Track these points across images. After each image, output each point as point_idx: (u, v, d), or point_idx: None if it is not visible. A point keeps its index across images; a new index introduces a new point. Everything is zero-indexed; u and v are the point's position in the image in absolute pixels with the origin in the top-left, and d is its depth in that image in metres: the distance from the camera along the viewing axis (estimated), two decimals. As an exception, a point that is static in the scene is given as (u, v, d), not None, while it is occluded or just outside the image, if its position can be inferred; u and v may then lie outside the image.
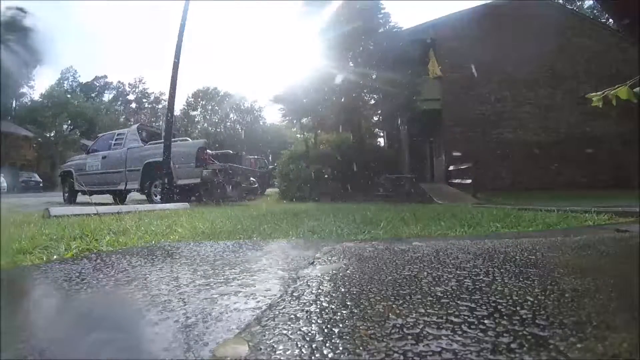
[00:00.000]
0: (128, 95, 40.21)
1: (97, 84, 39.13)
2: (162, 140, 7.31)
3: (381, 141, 14.55)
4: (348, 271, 1.16)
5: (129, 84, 40.50)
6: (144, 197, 8.10)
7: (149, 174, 7.62)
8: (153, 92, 39.91)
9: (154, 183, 7.56)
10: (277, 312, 0.79)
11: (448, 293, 0.89)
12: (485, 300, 0.82)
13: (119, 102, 39.75)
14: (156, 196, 7.42)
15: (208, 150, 7.90)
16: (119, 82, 40.44)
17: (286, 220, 3.08)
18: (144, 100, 40.45)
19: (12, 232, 2.32)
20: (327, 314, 0.77)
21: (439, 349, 0.58)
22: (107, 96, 39.99)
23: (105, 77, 39.95)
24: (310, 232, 2.39)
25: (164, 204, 5.55)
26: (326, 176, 9.05)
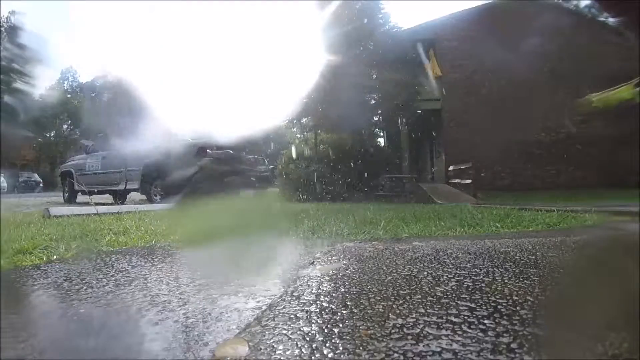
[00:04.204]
0: (126, 94, 40.10)
1: (97, 84, 38.99)
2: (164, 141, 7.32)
3: (381, 141, 14.54)
4: (348, 271, 1.16)
5: (128, 83, 40.38)
6: (144, 197, 8.11)
7: (149, 174, 7.62)
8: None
9: (154, 183, 7.56)
10: (277, 312, 0.79)
11: (448, 293, 0.89)
12: (485, 300, 0.82)
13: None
14: (156, 196, 7.43)
15: (208, 150, 7.90)
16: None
17: (286, 220, 3.08)
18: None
19: (12, 232, 2.32)
20: (327, 314, 0.77)
21: (439, 349, 0.58)
22: (107, 96, 39.80)
23: (106, 76, 39.82)
24: (310, 232, 2.39)
25: (164, 204, 5.54)
26: (326, 176, 9.05)
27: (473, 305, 0.79)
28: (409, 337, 0.63)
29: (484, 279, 1.02)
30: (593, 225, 2.68)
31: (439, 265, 1.20)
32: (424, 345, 0.60)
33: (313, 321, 0.73)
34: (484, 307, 0.78)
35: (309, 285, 1.00)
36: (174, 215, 3.70)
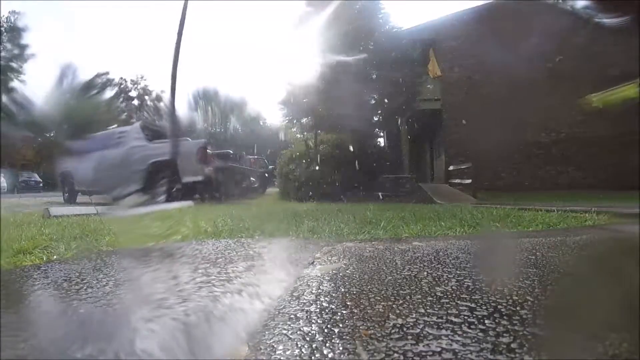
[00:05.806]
0: (130, 91, 39.79)
1: (100, 81, 38.68)
2: (166, 139, 7.38)
3: (381, 141, 14.55)
4: (348, 271, 1.16)
5: (131, 81, 40.13)
6: (146, 197, 8.08)
7: (154, 173, 7.61)
8: (154, 90, 39.49)
9: (159, 182, 7.54)
10: (277, 312, 0.79)
11: (448, 293, 0.89)
12: (485, 300, 0.82)
13: (121, 99, 39.29)
14: (161, 196, 7.42)
15: (208, 150, 7.92)
16: (122, 78, 39.88)
17: (286, 220, 3.08)
18: (146, 97, 40.08)
19: (12, 232, 2.31)
20: (327, 314, 0.77)
21: (439, 349, 0.58)
22: (109, 93, 39.49)
23: (107, 73, 39.46)
24: (310, 232, 2.39)
25: (167, 203, 5.55)
26: (326, 176, 9.05)
27: (473, 305, 0.79)
28: (409, 337, 0.63)
29: (484, 279, 1.02)
30: (593, 226, 2.68)
31: (439, 265, 1.20)
32: (424, 345, 0.60)
33: (313, 321, 0.73)
34: (484, 307, 0.78)
35: (309, 285, 1.00)
36: (182, 215, 3.70)
